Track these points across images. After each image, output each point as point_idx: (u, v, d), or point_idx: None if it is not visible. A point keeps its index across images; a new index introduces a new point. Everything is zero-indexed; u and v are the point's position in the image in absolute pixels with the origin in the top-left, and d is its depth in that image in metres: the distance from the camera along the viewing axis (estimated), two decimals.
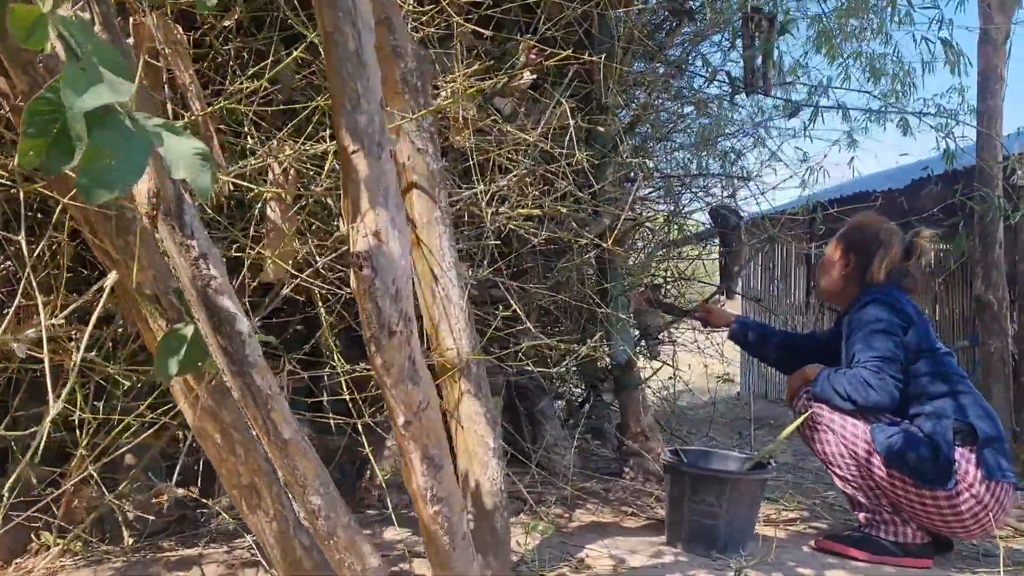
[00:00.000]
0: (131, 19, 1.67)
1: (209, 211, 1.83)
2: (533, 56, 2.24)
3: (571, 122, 2.49)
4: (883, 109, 3.96)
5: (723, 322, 2.98)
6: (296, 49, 1.78)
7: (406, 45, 1.75)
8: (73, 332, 1.96)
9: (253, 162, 1.84)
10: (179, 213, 1.31)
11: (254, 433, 1.54)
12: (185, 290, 1.35)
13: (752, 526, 2.31)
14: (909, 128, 4.75)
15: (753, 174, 3.88)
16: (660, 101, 3.63)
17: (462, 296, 1.87)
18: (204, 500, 2.18)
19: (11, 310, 1.72)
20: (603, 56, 2.86)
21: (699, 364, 4.56)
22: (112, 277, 1.29)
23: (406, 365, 1.46)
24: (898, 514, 2.38)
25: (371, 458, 2.14)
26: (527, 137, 2.25)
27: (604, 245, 2.54)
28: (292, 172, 2.01)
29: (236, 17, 2.06)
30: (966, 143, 4.22)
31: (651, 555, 2.25)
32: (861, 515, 2.46)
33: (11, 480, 2.01)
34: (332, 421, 2.07)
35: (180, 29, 1.74)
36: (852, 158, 6.51)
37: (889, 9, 4.08)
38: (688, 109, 3.85)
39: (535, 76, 2.33)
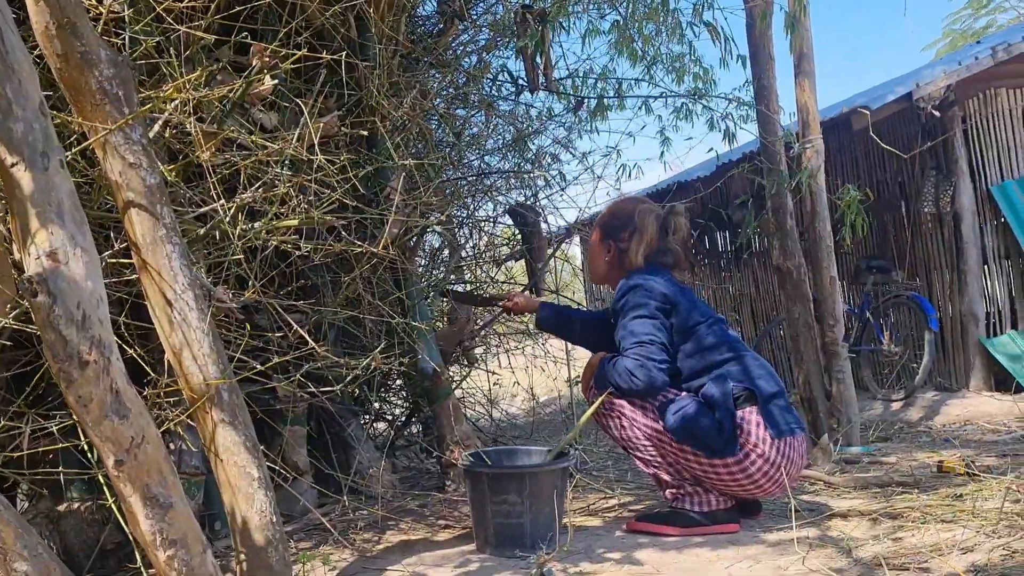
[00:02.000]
0: None
1: None
2: (267, 59, 2.11)
3: (330, 127, 2.39)
4: (663, 95, 4.06)
5: (529, 308, 2.94)
6: None
7: (98, 51, 1.58)
8: None
9: None
10: None
11: None
12: None
13: (559, 518, 2.26)
14: (715, 122, 4.96)
15: (549, 171, 3.89)
16: (445, 106, 3.59)
17: (203, 318, 1.71)
18: None
19: None
20: (364, 60, 2.79)
21: (546, 370, 4.56)
22: None
23: (107, 398, 1.30)
24: (700, 484, 2.40)
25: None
26: (275, 146, 2.12)
27: (380, 253, 2.43)
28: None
29: None
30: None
31: (457, 566, 2.15)
32: (667, 492, 2.47)
33: None
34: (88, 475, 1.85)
35: None
36: (662, 152, 6.74)
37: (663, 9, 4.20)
38: (479, 112, 3.85)
39: (276, 81, 2.21)
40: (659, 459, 2.41)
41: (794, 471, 2.37)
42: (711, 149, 4.42)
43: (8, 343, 1.86)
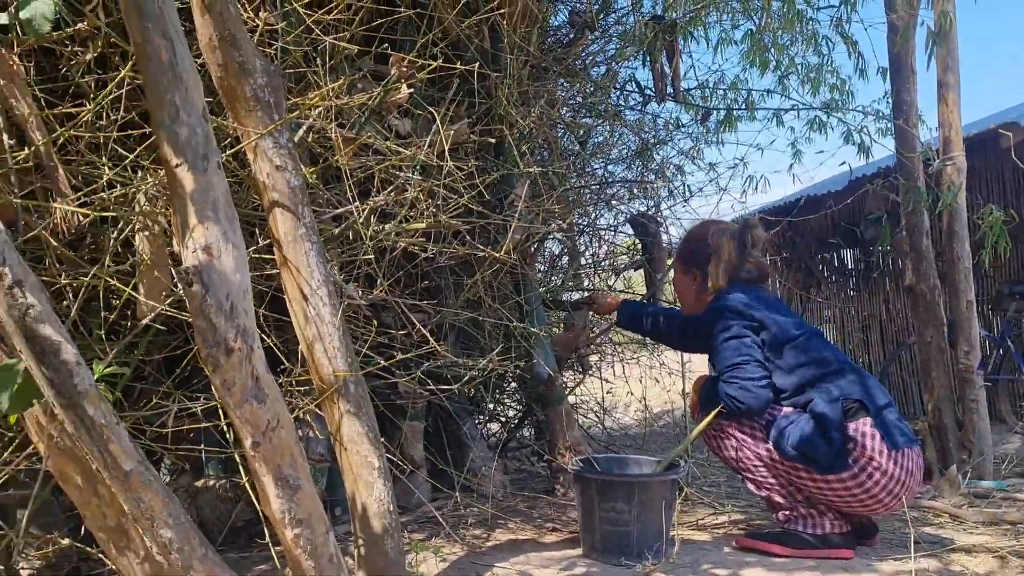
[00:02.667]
0: None
1: (55, 243, 1.76)
2: (405, 68, 2.21)
3: (461, 135, 2.48)
4: (795, 108, 3.97)
5: (609, 308, 2.98)
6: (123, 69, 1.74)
7: (254, 61, 1.71)
8: None
9: (105, 192, 1.78)
10: None
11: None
12: (3, 321, 1.28)
13: (667, 529, 2.26)
14: (851, 135, 4.82)
15: (673, 182, 3.88)
16: (572, 115, 3.64)
17: (335, 314, 1.82)
18: (88, 548, 2.08)
19: None
20: (496, 70, 2.87)
21: (660, 381, 4.56)
22: None
23: (249, 383, 1.40)
24: (815, 507, 2.35)
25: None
26: (408, 152, 2.22)
27: (502, 258, 2.49)
28: (160, 201, 1.96)
29: (97, 51, 2.01)
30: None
31: (563, 568, 2.18)
32: (780, 514, 2.42)
33: None
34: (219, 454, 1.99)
35: (16, 61, 1.70)
36: (791, 165, 6.58)
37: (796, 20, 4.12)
38: (605, 122, 3.87)
39: (412, 90, 2.30)
40: (771, 480, 2.38)
41: (913, 485, 2.28)
42: (844, 163, 4.31)
43: (162, 327, 2.01)
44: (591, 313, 3.24)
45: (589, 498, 2.28)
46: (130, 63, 1.74)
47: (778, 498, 2.39)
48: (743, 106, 4.35)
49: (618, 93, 3.87)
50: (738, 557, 2.33)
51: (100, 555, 2.24)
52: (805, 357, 2.35)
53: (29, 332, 1.26)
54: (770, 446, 2.32)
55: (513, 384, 3.92)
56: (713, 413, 2.40)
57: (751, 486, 2.45)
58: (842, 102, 5.01)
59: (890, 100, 4.49)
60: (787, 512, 2.39)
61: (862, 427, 2.24)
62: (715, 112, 3.90)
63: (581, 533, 2.36)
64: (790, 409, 2.35)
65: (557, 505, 2.93)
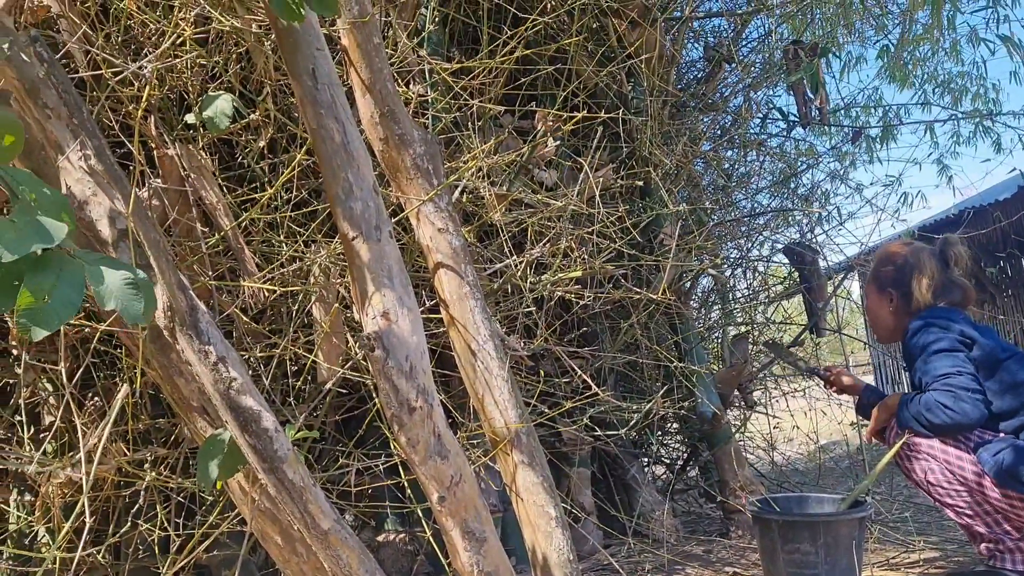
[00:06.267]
0: (155, 152, 1.80)
1: (245, 319, 1.90)
2: (550, 124, 2.27)
3: (607, 180, 2.51)
4: (953, 117, 3.78)
5: (852, 391, 2.69)
6: (298, 151, 1.87)
7: (412, 132, 1.80)
8: (148, 455, 2.06)
9: (284, 268, 1.91)
10: (194, 322, 1.36)
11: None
12: (209, 394, 1.39)
13: (858, 570, 2.14)
14: (1001, 144, 4.54)
15: (825, 207, 3.76)
16: (714, 149, 3.60)
17: (502, 367, 1.86)
18: None
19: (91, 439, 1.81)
20: (635, 113, 2.90)
21: (826, 413, 4.39)
22: (124, 391, 1.35)
23: (431, 440, 1.46)
24: None
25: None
26: (558, 203, 2.26)
27: (658, 299, 2.49)
28: (333, 272, 2.08)
29: (268, 136, 2.18)
30: None
31: None
32: (982, 546, 2.25)
33: None
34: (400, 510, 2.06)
35: (204, 154, 1.86)
36: (951, 177, 6.23)
37: (948, 28, 3.94)
38: (750, 154, 3.82)
39: (558, 143, 2.36)
40: (974, 507, 2.20)
41: None
42: (1014, 169, 4.03)
43: (341, 390, 2.13)
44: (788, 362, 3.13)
45: (771, 540, 2.20)
46: (305, 147, 1.87)
47: (981, 528, 2.21)
48: (893, 121, 4.17)
49: (759, 122, 3.81)
50: None
51: None
52: (1019, 378, 2.19)
53: (233, 403, 1.36)
54: (978, 470, 2.15)
55: (675, 425, 3.87)
56: (902, 439, 2.26)
57: (950, 514, 2.27)
58: (989, 109, 4.71)
59: None
60: (990, 545, 2.21)
61: None
62: (865, 130, 3.76)
63: None
64: (1003, 434, 2.19)
65: (734, 547, 2.84)
